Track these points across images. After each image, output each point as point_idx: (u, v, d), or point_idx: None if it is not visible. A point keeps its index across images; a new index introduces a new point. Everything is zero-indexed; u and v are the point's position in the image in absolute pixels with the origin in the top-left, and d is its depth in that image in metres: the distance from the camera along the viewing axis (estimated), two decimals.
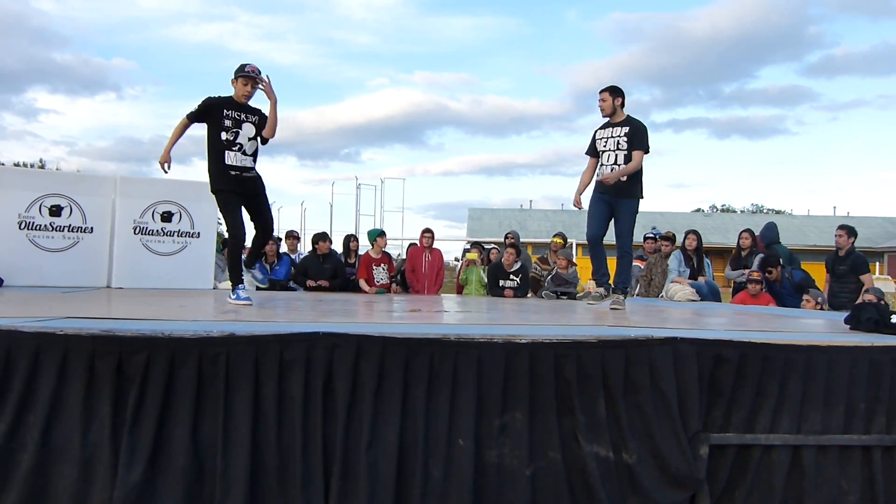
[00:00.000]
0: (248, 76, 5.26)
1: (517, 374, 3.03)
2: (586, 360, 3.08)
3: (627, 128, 5.83)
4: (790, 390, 3.24)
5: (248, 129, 5.32)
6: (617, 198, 5.91)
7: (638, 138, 5.78)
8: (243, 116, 5.32)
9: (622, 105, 5.92)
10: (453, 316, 5.09)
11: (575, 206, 6.20)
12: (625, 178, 5.79)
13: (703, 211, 55.67)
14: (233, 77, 5.33)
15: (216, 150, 5.21)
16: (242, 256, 5.52)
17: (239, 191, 5.28)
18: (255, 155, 5.42)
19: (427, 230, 9.54)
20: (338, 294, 8.34)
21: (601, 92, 5.91)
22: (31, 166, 40.78)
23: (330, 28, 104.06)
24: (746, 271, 8.60)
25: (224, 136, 5.21)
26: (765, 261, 8.39)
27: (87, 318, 3.42)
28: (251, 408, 2.89)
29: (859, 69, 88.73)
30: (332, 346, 2.95)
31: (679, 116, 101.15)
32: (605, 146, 5.96)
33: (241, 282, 5.27)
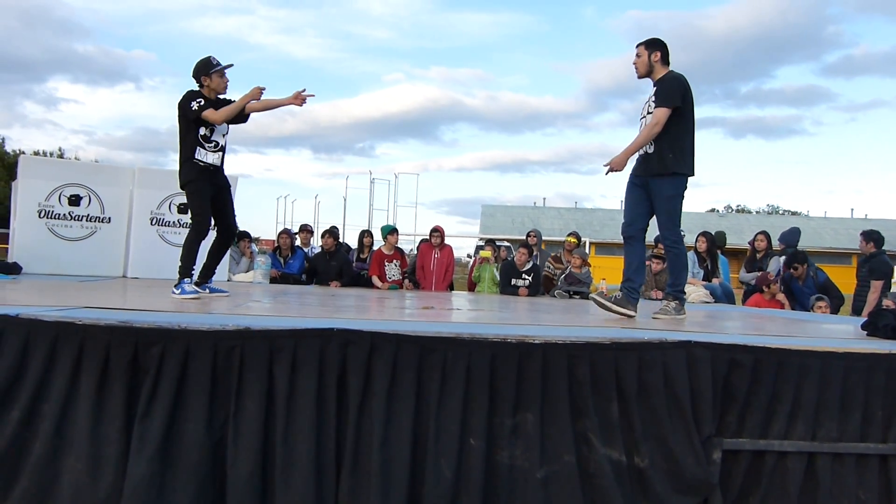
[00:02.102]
0: (225, 68, 5.12)
1: (530, 374, 3.02)
2: (599, 361, 3.07)
3: (657, 85, 4.69)
4: (805, 396, 3.21)
5: (222, 127, 5.15)
6: (647, 177, 4.70)
7: (661, 93, 4.58)
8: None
9: (662, 60, 4.72)
10: (466, 314, 5.10)
11: (606, 168, 4.71)
12: (650, 150, 4.62)
13: (717, 211, 55.40)
14: (202, 75, 5.07)
15: (192, 146, 5.02)
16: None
17: (211, 181, 5.13)
18: (224, 150, 5.24)
19: (436, 229, 9.50)
20: (351, 289, 8.37)
21: (636, 46, 4.79)
22: (51, 154, 41.12)
23: (347, 22, 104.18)
24: (762, 274, 8.56)
25: (203, 131, 5.03)
26: (792, 257, 8.29)
27: (105, 309, 3.45)
28: (264, 402, 2.90)
29: (878, 69, 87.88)
30: (346, 343, 2.96)
31: None
32: (641, 113, 4.81)
33: (190, 275, 5.00)
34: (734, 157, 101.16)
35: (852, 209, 55.47)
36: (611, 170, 4.66)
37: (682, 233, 4.80)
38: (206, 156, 5.05)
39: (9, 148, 42.39)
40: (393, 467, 2.85)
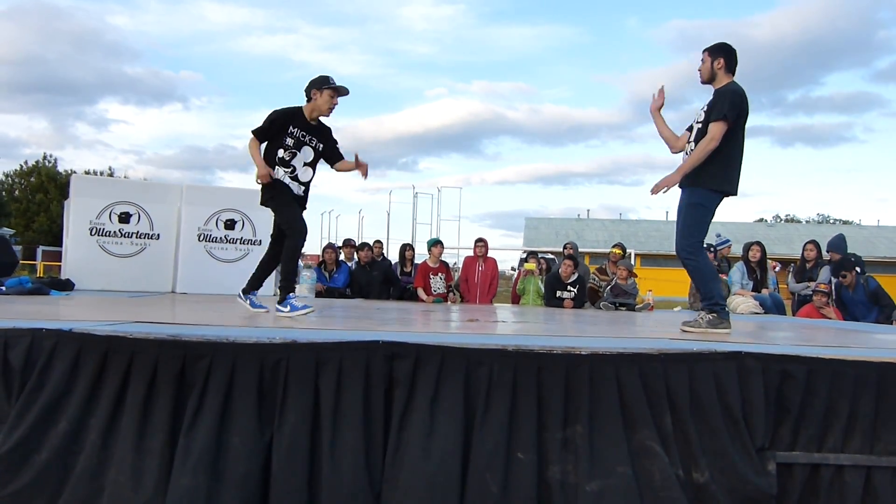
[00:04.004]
0: (338, 90, 4.81)
1: (578, 386, 2.97)
2: (648, 373, 3.02)
3: (714, 96, 4.46)
4: (862, 409, 3.11)
5: (306, 153, 4.84)
6: (682, 187, 4.53)
7: (717, 106, 4.33)
8: (307, 138, 4.82)
9: (725, 68, 4.49)
10: (511, 326, 5.07)
11: (660, 189, 4.50)
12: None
13: (766, 221, 54.34)
14: (314, 88, 4.77)
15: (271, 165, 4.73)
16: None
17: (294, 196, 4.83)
18: (307, 184, 4.92)
19: (480, 240, 9.55)
20: (395, 303, 8.39)
21: (702, 52, 4.59)
22: (101, 174, 42.25)
23: (390, 39, 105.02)
24: (812, 284, 8.36)
25: (280, 153, 4.75)
26: (839, 265, 8.07)
27: (155, 323, 3.51)
28: (310, 415, 2.91)
29: None
30: (392, 355, 2.96)
31: None
32: (697, 118, 4.60)
33: (294, 289, 4.80)
34: (782, 166, 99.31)
35: None
36: (665, 188, 4.45)
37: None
38: (282, 176, 4.77)
39: (61, 168, 43.79)
40: (437, 481, 2.82)
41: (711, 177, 4.38)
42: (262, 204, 4.88)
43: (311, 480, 2.86)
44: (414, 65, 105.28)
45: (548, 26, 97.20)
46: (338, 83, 4.82)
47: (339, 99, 4.87)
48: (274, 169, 4.72)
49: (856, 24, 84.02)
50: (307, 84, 4.83)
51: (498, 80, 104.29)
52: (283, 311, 4.54)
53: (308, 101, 4.83)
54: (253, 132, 4.71)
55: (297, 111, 4.81)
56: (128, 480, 2.78)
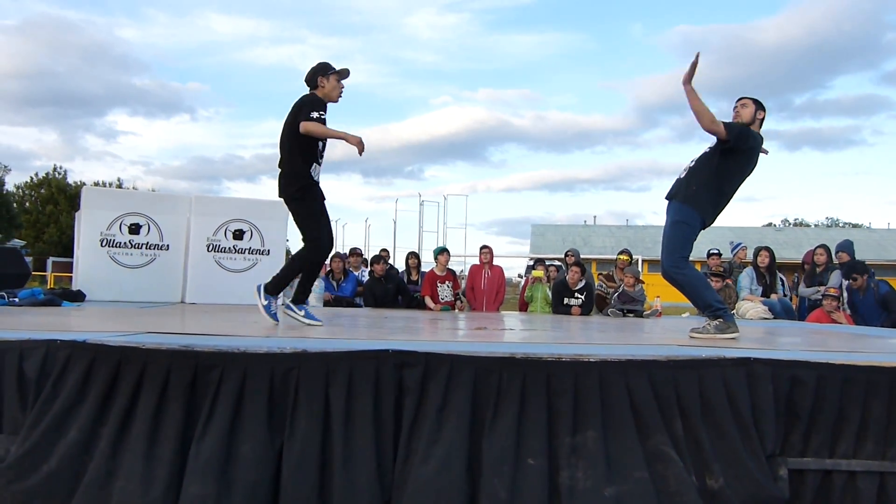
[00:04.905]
0: (342, 73, 4.72)
1: (587, 393, 2.97)
2: (658, 380, 3.02)
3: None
4: (874, 414, 3.10)
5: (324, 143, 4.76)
6: (668, 199, 4.71)
7: (738, 125, 4.50)
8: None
9: (760, 122, 4.66)
10: (519, 334, 5.07)
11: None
12: (682, 174, 4.63)
13: (774, 225, 54.17)
14: (319, 75, 4.68)
15: (306, 159, 4.60)
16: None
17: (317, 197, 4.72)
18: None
19: (485, 247, 9.54)
20: (403, 311, 8.41)
21: (741, 99, 4.69)
22: (110, 185, 42.50)
23: (396, 48, 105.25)
24: (822, 288, 8.33)
25: (320, 146, 4.65)
26: (851, 267, 8.05)
27: (167, 333, 3.54)
28: (321, 424, 2.92)
29: None
30: (402, 364, 2.97)
31: None
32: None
33: (276, 295, 4.71)
34: (790, 170, 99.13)
35: None
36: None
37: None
38: (315, 170, 4.65)
39: (71, 180, 44.09)
40: (446, 488, 2.82)
41: (703, 203, 4.51)
42: (284, 196, 4.66)
43: (321, 489, 2.86)
44: (419, 73, 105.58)
45: (552, 33, 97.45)
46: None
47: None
48: (312, 166, 4.61)
49: (862, 27, 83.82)
50: (308, 74, 4.73)
51: (503, 88, 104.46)
52: (296, 314, 4.54)
53: (313, 89, 4.73)
54: (314, 119, 4.48)
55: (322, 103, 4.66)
56: (137, 488, 2.79)
